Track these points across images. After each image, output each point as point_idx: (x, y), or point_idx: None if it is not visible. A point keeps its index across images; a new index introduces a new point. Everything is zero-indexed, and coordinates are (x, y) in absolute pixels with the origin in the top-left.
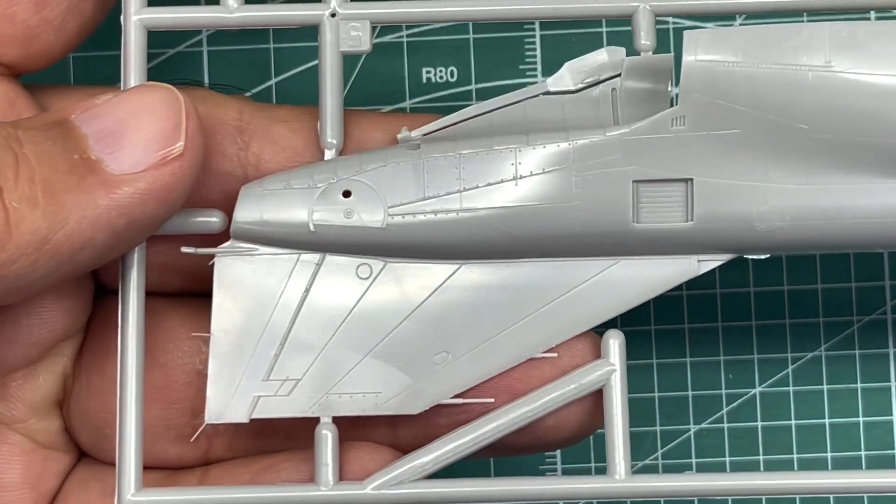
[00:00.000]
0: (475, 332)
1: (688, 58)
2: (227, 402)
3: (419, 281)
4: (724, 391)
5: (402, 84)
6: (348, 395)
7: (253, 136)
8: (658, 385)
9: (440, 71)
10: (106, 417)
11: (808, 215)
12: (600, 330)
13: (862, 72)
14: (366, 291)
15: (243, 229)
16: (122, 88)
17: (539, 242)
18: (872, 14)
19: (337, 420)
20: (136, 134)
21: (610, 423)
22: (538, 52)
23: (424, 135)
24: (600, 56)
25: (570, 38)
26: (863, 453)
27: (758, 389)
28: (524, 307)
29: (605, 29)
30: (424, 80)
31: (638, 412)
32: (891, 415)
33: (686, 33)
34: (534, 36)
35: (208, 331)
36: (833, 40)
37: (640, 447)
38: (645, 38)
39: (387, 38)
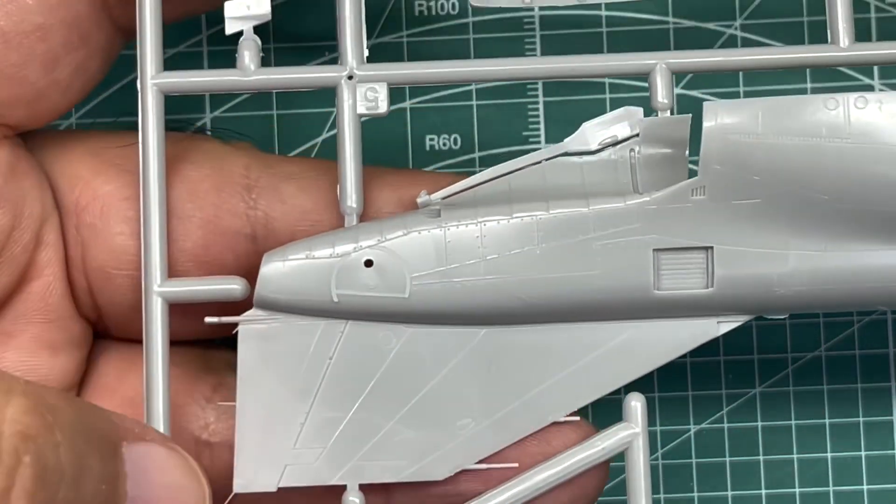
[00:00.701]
0: (497, 398)
1: (707, 129)
2: (255, 471)
3: (442, 347)
4: (724, 391)
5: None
6: (375, 463)
7: (261, 195)
8: (658, 385)
9: None
10: None
11: (826, 280)
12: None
13: (881, 143)
14: (390, 358)
15: (266, 299)
16: (139, 154)
17: (560, 309)
18: (875, 72)
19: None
20: None
21: (633, 488)
22: (538, 53)
23: (444, 198)
24: (619, 115)
25: (571, 40)
26: (863, 453)
27: (758, 389)
28: (546, 372)
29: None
30: None
31: None
32: (891, 415)
33: (706, 105)
34: (534, 36)
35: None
36: (854, 111)
37: None
38: (662, 97)
39: (387, 38)
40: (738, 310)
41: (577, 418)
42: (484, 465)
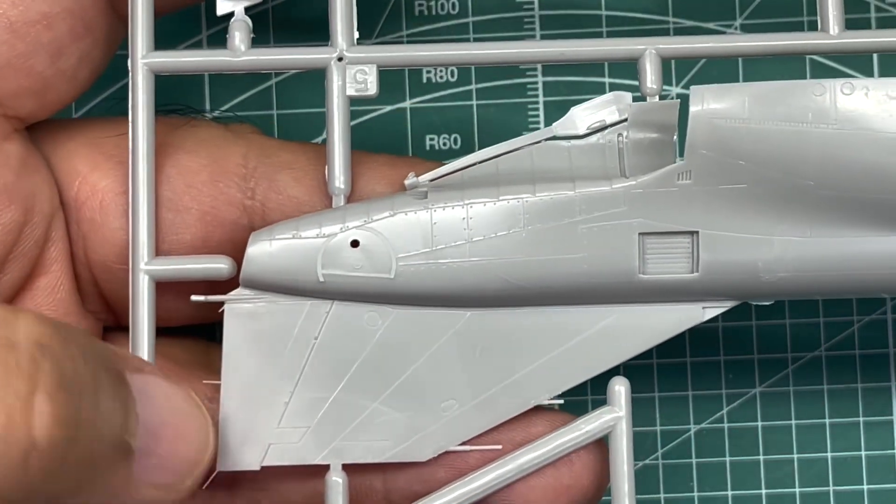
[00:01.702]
0: (482, 380)
1: (694, 114)
2: (239, 450)
3: (427, 329)
4: (724, 391)
5: (402, 83)
6: (358, 443)
7: (258, 185)
8: (658, 385)
9: (440, 71)
10: None
11: (812, 266)
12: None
13: (867, 129)
14: (375, 339)
15: (253, 279)
16: (129, 134)
17: (545, 292)
18: (875, 67)
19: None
20: (166, 453)
21: (616, 472)
22: None
23: (431, 180)
24: (607, 100)
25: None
26: (863, 453)
27: (758, 389)
28: (530, 354)
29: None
30: (424, 80)
31: (638, 412)
32: (891, 415)
33: (692, 89)
34: (534, 37)
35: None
36: (840, 98)
37: (640, 447)
38: (651, 82)
39: (387, 38)
40: (723, 295)
41: (561, 401)
42: (468, 447)
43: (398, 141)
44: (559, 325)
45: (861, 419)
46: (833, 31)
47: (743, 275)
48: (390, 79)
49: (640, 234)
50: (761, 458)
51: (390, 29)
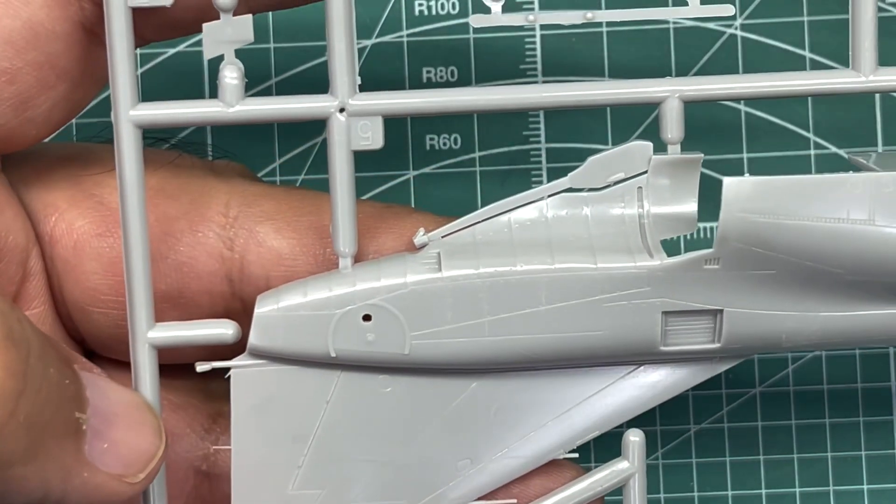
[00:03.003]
0: (496, 438)
1: (726, 208)
2: None
3: (441, 392)
4: (724, 391)
5: (402, 83)
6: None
7: (237, 235)
8: None
9: (440, 70)
10: None
11: (834, 337)
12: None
13: None
14: (388, 402)
15: (260, 350)
16: (118, 188)
17: (563, 361)
18: None
19: None
20: (121, 437)
21: None
22: (538, 53)
23: (443, 237)
24: (627, 151)
25: (571, 38)
26: (863, 453)
27: (758, 389)
28: (545, 413)
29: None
30: (425, 80)
31: None
32: (891, 415)
33: (725, 181)
34: (534, 36)
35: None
36: (876, 194)
37: None
38: (672, 131)
39: (387, 38)
40: (743, 356)
41: (576, 455)
42: (483, 502)
43: (398, 141)
44: (574, 384)
45: (861, 419)
46: (864, 71)
47: (765, 343)
48: (391, 78)
49: (663, 312)
50: (761, 458)
51: (391, 28)
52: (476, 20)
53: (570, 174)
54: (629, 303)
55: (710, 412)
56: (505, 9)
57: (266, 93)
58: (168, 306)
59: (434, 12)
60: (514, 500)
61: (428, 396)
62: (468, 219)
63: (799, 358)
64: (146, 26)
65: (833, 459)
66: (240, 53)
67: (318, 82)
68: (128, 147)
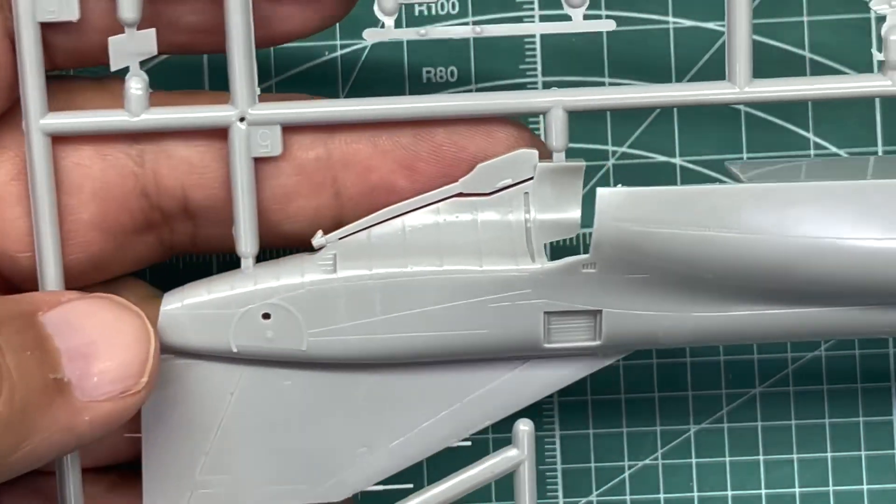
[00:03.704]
0: (392, 427)
1: (600, 217)
2: (161, 499)
3: (339, 385)
4: (724, 391)
5: (402, 83)
6: (278, 487)
7: (145, 152)
8: (658, 385)
9: (440, 71)
10: None
11: (709, 334)
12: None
13: (768, 233)
14: (289, 394)
15: (166, 345)
16: (29, 191)
17: (454, 357)
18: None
19: None
20: (106, 362)
21: None
22: (538, 53)
23: (340, 238)
24: (514, 158)
25: (571, 38)
26: (863, 453)
27: (758, 389)
28: (438, 404)
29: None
30: (424, 80)
31: (638, 412)
32: (891, 415)
33: (599, 192)
34: (534, 36)
35: None
36: (743, 203)
37: (640, 447)
38: (557, 140)
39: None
40: (624, 353)
41: (469, 443)
42: (380, 487)
43: None
44: (465, 378)
45: (861, 419)
46: (739, 84)
47: (644, 339)
48: (390, 77)
49: (545, 312)
50: (761, 458)
51: None
52: (370, 34)
53: (461, 179)
54: (513, 303)
55: (710, 412)
56: (504, 8)
57: (266, 92)
58: (96, 234)
59: (434, 12)
60: (411, 485)
61: (326, 389)
62: (364, 221)
63: (799, 358)
64: (56, 53)
65: (833, 459)
66: None
67: (317, 82)
68: (38, 153)
